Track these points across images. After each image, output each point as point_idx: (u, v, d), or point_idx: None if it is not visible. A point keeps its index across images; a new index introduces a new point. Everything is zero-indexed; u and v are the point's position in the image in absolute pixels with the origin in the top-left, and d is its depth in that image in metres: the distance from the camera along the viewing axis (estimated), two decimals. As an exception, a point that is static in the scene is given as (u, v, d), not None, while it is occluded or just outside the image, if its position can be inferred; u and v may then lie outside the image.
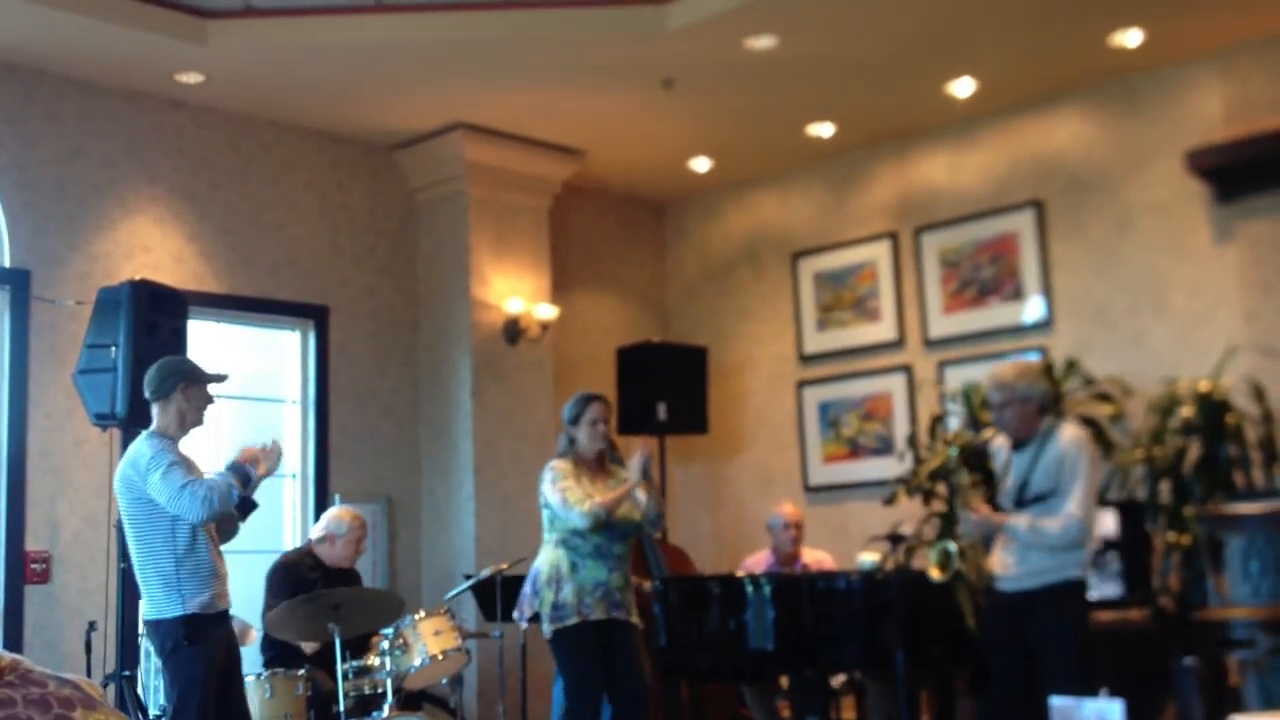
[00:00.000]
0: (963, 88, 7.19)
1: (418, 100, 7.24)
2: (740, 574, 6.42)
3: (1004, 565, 4.95)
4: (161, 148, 6.98)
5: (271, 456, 4.73)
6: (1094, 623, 5.52)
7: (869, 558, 6.31)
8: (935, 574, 4.99)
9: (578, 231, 8.73)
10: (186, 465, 4.60)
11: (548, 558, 5.25)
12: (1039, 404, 4.97)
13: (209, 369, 4.84)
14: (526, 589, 5.33)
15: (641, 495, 5.20)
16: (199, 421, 4.77)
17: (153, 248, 6.87)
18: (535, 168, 7.99)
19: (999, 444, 5.15)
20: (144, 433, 4.72)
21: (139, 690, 5.86)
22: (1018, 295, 7.48)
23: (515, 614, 5.46)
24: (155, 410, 4.71)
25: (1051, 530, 4.78)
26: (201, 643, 4.55)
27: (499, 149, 7.77)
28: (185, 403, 4.68)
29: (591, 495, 5.15)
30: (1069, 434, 4.93)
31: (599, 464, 5.33)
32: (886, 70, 6.94)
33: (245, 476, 4.66)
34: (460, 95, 7.18)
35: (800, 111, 7.57)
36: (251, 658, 5.83)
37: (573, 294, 8.55)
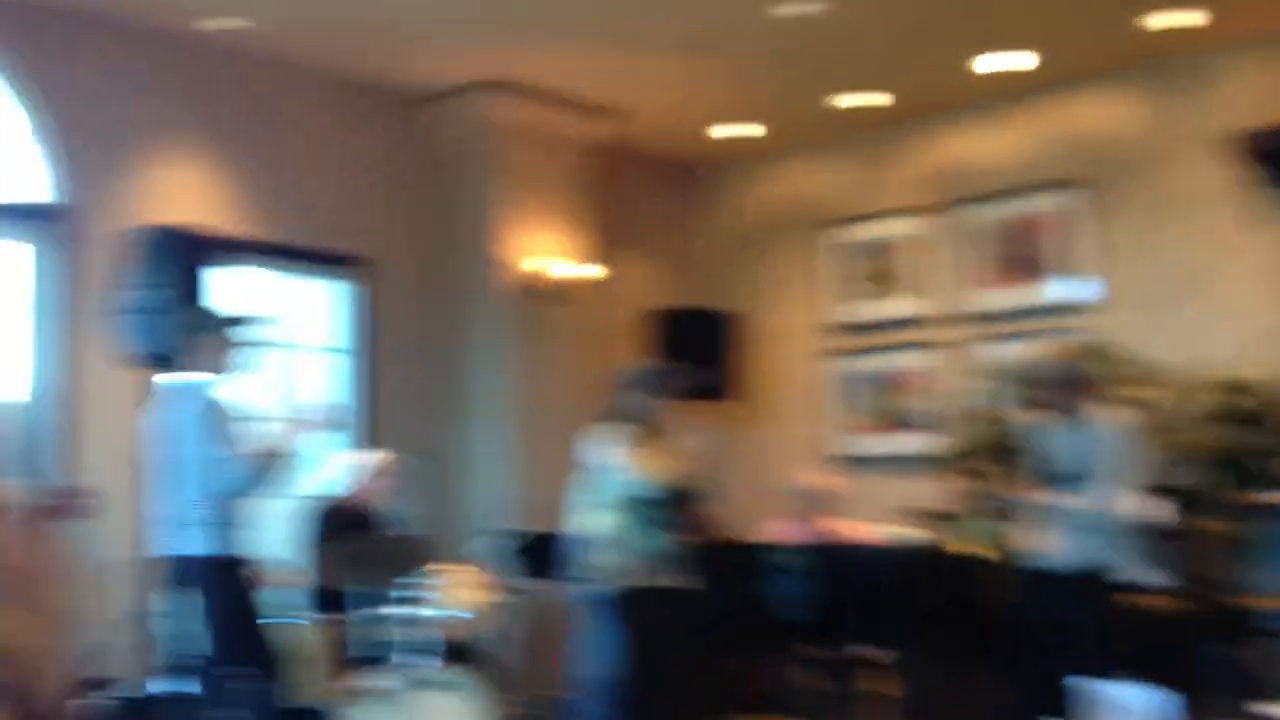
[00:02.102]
0: (1011, 62, 7.12)
1: (460, 55, 7.20)
2: (770, 543, 6.41)
3: (1037, 545, 4.94)
4: (203, 93, 6.96)
5: (329, 416, 4.81)
6: (1130, 607, 5.52)
7: (901, 532, 6.31)
8: (986, 553, 4.99)
9: (616, 193, 8.68)
10: (234, 425, 4.61)
11: (602, 520, 5.25)
12: (1079, 385, 4.95)
13: (233, 312, 4.87)
14: (577, 550, 5.32)
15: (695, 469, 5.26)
16: (232, 367, 4.79)
17: (194, 193, 6.86)
18: (570, 127, 7.95)
19: (1038, 422, 5.12)
20: (194, 379, 4.75)
21: (170, 628, 5.88)
22: (1058, 274, 7.44)
23: (564, 574, 5.47)
24: (190, 358, 4.76)
25: (1081, 509, 4.77)
26: (222, 581, 4.60)
27: (539, 107, 7.73)
28: (212, 350, 4.74)
29: (656, 463, 5.21)
30: (1110, 416, 4.91)
31: (656, 433, 5.33)
32: (932, 40, 6.87)
33: (279, 463, 4.70)
34: (502, 51, 7.13)
35: (841, 80, 7.52)
36: (292, 601, 5.85)
37: (610, 255, 8.50)
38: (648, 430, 5.31)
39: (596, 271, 8.20)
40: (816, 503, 6.94)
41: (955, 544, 5.73)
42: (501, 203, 7.72)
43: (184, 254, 5.67)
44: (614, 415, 5.36)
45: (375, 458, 6.31)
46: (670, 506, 5.25)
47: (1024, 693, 4.99)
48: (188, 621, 4.87)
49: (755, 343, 8.65)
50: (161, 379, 5.14)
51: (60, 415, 6.28)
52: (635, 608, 5.17)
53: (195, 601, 4.74)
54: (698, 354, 8.01)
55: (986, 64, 7.14)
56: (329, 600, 5.80)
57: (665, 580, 5.21)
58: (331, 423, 4.87)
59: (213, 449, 4.56)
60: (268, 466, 4.63)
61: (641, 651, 5.16)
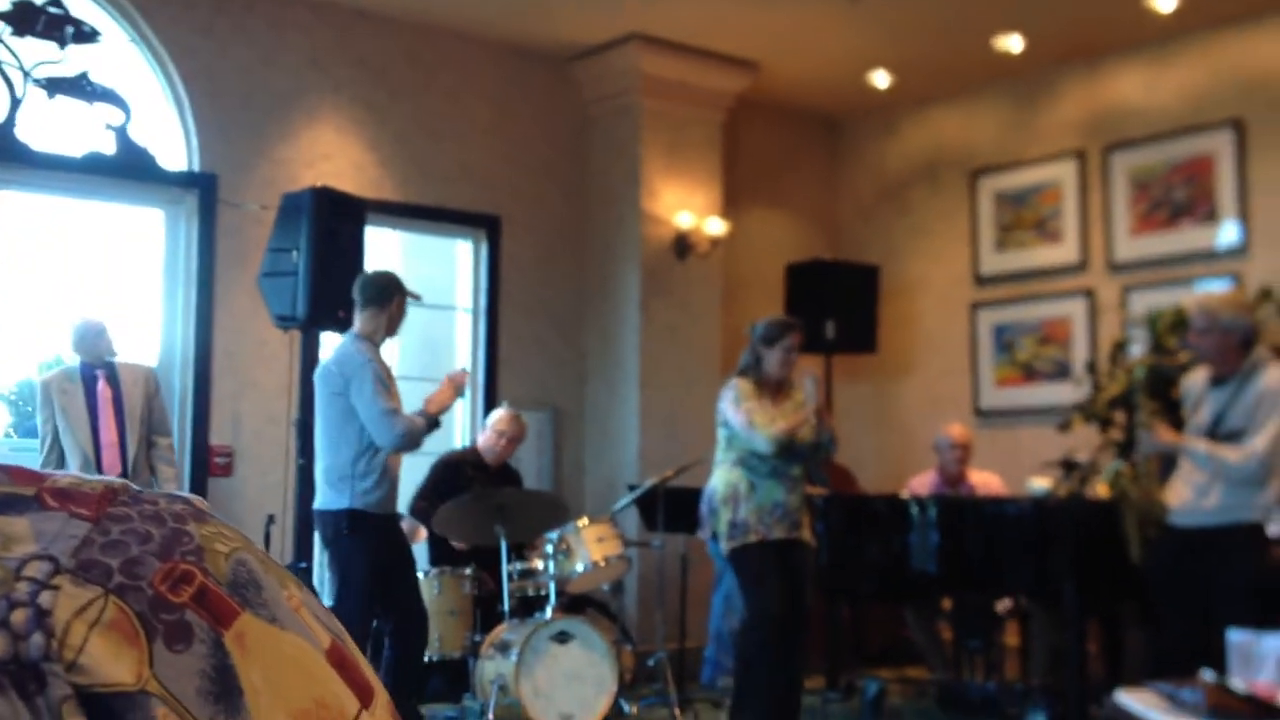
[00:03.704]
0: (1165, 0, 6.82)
1: (594, 11, 7.20)
2: (905, 495, 6.34)
3: (1181, 498, 4.77)
4: (344, 57, 7.10)
5: (458, 383, 4.91)
6: (1277, 558, 5.30)
7: (1040, 484, 6.16)
8: (1102, 491, 4.86)
9: (750, 146, 8.61)
10: (389, 382, 4.77)
11: (725, 477, 5.24)
12: (1242, 337, 4.74)
13: (389, 274, 5.07)
14: (704, 508, 5.34)
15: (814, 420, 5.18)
16: (395, 333, 4.97)
17: (334, 155, 7.02)
18: (710, 80, 7.89)
19: (1195, 379, 4.94)
20: (351, 334, 4.90)
21: (314, 582, 6.10)
22: (1212, 218, 7.12)
23: (700, 532, 5.51)
24: (364, 314, 4.88)
25: (1230, 460, 4.58)
26: (363, 535, 4.73)
27: (674, 61, 7.69)
28: (397, 313, 4.88)
29: (775, 418, 5.13)
30: (1274, 374, 4.69)
31: (778, 386, 5.29)
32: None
33: (435, 425, 4.87)
34: (636, 5, 7.11)
35: (988, 24, 7.28)
36: (417, 555, 6.01)
37: (743, 209, 8.46)
38: (763, 383, 5.27)
39: (736, 226, 8.16)
40: (960, 456, 6.84)
41: (1098, 496, 5.57)
42: (643, 158, 7.72)
43: (328, 217, 5.80)
44: (740, 370, 5.34)
45: (496, 413, 6.42)
46: (785, 459, 5.19)
47: (1172, 646, 4.84)
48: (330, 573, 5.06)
49: (899, 295, 8.52)
50: (315, 340, 5.32)
51: (197, 377, 6.49)
52: (752, 562, 5.15)
53: (326, 548, 4.93)
54: (838, 307, 7.95)
55: (1149, 1, 6.80)
56: (453, 554, 5.94)
57: (781, 533, 5.16)
58: (462, 385, 5.01)
59: (365, 406, 4.70)
60: (424, 427, 4.77)
61: (761, 604, 5.16)
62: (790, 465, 5.21)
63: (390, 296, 4.87)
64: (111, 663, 0.47)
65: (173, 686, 0.47)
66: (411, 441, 4.75)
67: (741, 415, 5.12)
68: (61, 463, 5.55)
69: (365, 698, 0.53)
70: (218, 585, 0.50)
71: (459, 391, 4.99)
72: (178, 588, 0.49)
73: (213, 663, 0.48)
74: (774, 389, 5.27)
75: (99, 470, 5.50)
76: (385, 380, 4.75)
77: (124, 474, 5.52)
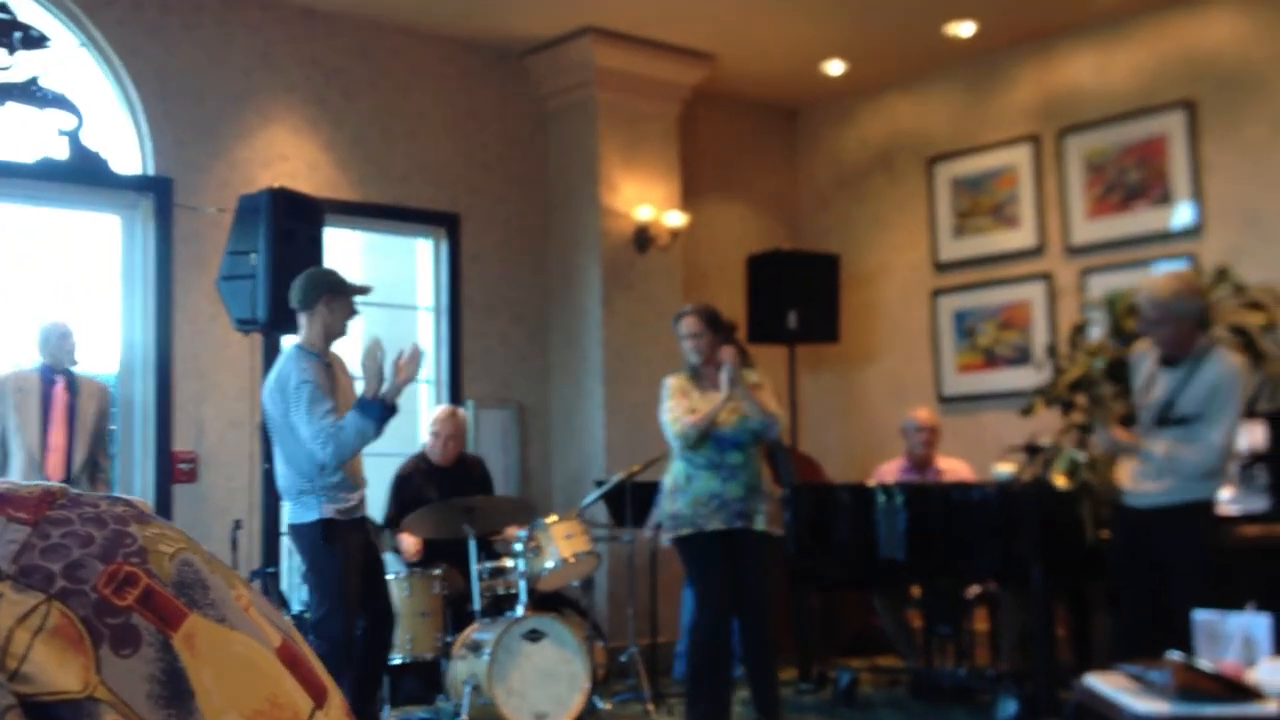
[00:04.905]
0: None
1: (547, 4, 7.17)
2: (873, 483, 6.37)
3: (1134, 480, 4.81)
4: (296, 56, 7.04)
5: (412, 363, 4.78)
6: (1240, 537, 5.38)
7: (1005, 469, 6.20)
8: (1060, 482, 4.89)
9: (708, 138, 8.61)
10: (328, 391, 4.67)
11: (671, 469, 5.29)
12: (1195, 321, 4.78)
13: (352, 280, 4.92)
14: (658, 499, 5.39)
15: (744, 404, 5.13)
16: (342, 332, 4.86)
17: (289, 156, 6.96)
18: (665, 73, 7.88)
19: (1143, 350, 4.98)
20: (292, 347, 4.81)
21: (282, 588, 6.06)
22: (1166, 200, 7.19)
23: (645, 527, 5.53)
24: (300, 320, 4.78)
25: (1190, 460, 4.63)
26: (339, 543, 4.69)
27: (628, 53, 7.68)
28: (329, 314, 4.76)
29: (697, 409, 5.12)
30: (1227, 361, 4.72)
31: (713, 377, 5.25)
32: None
33: (388, 410, 4.68)
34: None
35: (939, 10, 7.32)
36: (387, 559, 5.98)
37: (703, 201, 8.46)
38: (697, 376, 5.25)
39: (696, 218, 8.16)
40: (928, 438, 6.88)
41: (1059, 480, 5.62)
42: (601, 151, 7.70)
43: (286, 218, 5.74)
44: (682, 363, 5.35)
45: (432, 413, 6.39)
46: (717, 449, 5.13)
47: (1130, 624, 4.90)
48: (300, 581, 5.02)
49: (859, 284, 8.55)
50: (276, 343, 5.25)
51: (159, 383, 6.41)
52: (690, 554, 5.15)
53: (304, 562, 4.89)
54: (799, 297, 7.98)
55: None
56: (425, 556, 5.92)
57: (719, 524, 5.09)
58: (415, 369, 4.83)
59: (301, 428, 4.63)
60: (373, 423, 4.66)
61: (701, 596, 5.16)
62: (726, 454, 5.13)
63: (316, 298, 4.72)
64: (57, 670, 0.46)
65: (122, 692, 0.47)
66: (354, 449, 4.63)
67: (662, 412, 5.21)
68: (5, 462, 5.51)
69: (319, 697, 0.53)
70: (163, 586, 0.49)
71: (411, 373, 4.77)
72: (122, 590, 0.48)
73: (162, 666, 0.48)
74: (712, 378, 5.24)
75: (43, 473, 5.48)
76: (323, 394, 4.62)
77: (66, 480, 5.48)
